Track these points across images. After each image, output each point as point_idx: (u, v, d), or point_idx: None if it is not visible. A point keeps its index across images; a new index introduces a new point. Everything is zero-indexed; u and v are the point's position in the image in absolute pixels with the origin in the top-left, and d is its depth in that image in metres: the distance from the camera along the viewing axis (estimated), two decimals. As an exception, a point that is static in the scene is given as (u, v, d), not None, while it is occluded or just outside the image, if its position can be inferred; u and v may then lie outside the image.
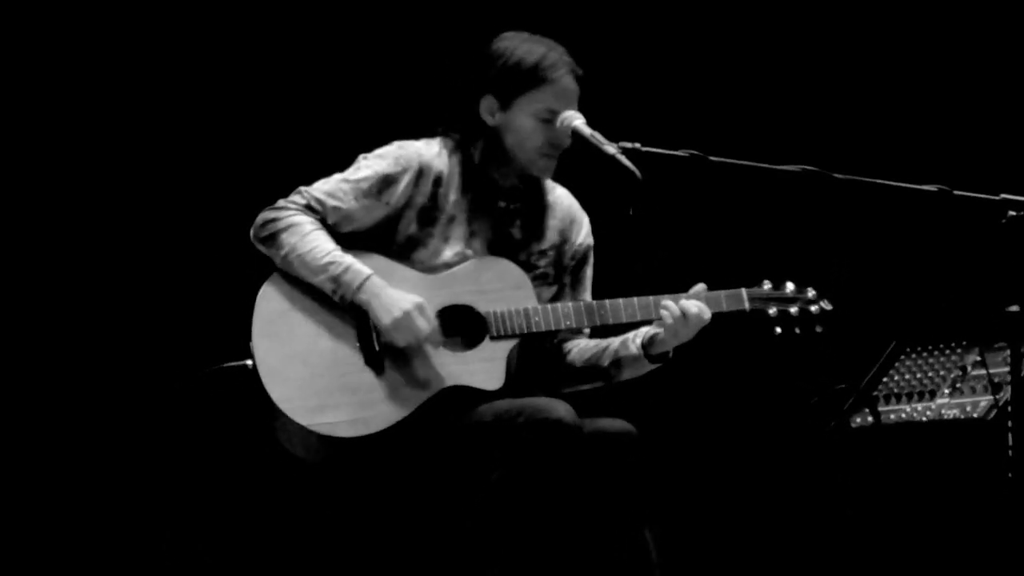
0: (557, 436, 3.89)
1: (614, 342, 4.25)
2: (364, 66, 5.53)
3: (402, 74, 5.50)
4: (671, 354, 4.17)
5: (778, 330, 4.19)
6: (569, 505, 3.99)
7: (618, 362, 4.22)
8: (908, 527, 4.90)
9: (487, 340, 4.09)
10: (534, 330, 4.12)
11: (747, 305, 4.18)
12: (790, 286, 4.22)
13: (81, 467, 5.26)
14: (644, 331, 4.18)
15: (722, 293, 4.17)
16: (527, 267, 4.19)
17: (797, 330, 4.20)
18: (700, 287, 4.15)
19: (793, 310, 4.19)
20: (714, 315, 4.13)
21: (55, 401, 5.26)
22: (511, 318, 4.11)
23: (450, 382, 4.05)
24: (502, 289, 4.13)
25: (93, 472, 5.27)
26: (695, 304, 4.09)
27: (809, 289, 4.23)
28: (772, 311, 4.19)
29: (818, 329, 4.21)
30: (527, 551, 3.90)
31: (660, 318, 4.11)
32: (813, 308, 4.21)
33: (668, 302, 4.10)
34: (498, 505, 3.89)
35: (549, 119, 4.14)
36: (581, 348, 4.29)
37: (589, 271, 4.34)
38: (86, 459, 5.26)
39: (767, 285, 4.21)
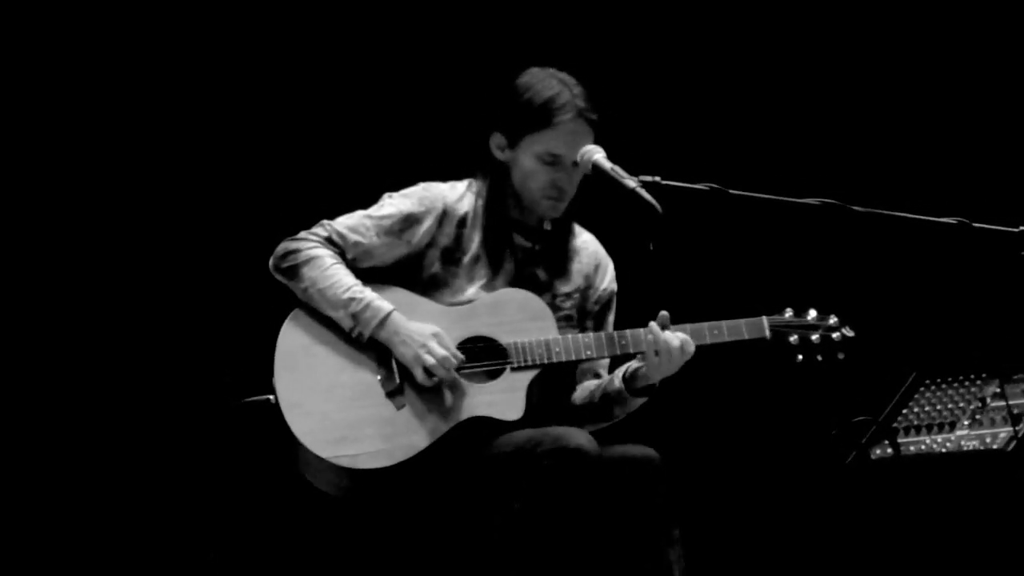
0: (578, 464, 3.90)
1: (606, 377, 4.25)
2: (398, 104, 5.56)
3: (431, 113, 5.52)
4: (657, 386, 4.15)
5: (800, 358, 4.20)
6: (591, 532, 3.99)
7: (606, 396, 4.22)
8: (928, 559, 4.89)
9: (508, 371, 4.11)
10: (555, 360, 4.12)
11: (768, 333, 4.18)
12: (812, 313, 4.21)
13: (106, 501, 5.27)
14: (628, 365, 4.17)
15: (742, 321, 4.17)
16: (552, 308, 4.19)
17: (819, 357, 4.19)
18: (664, 315, 4.10)
19: (815, 337, 4.19)
20: (737, 344, 4.14)
21: (83, 439, 5.26)
22: (532, 349, 4.12)
23: (470, 413, 4.06)
24: (523, 320, 4.14)
25: (118, 507, 5.27)
26: (677, 337, 4.07)
27: (831, 316, 4.22)
28: (793, 339, 4.18)
29: (840, 356, 4.20)
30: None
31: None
32: (835, 335, 4.19)
33: (650, 336, 4.07)
34: (520, 534, 3.90)
35: (551, 162, 4.14)
36: (583, 386, 4.29)
37: (611, 317, 4.34)
38: (112, 494, 5.27)
39: (788, 313, 4.21)
